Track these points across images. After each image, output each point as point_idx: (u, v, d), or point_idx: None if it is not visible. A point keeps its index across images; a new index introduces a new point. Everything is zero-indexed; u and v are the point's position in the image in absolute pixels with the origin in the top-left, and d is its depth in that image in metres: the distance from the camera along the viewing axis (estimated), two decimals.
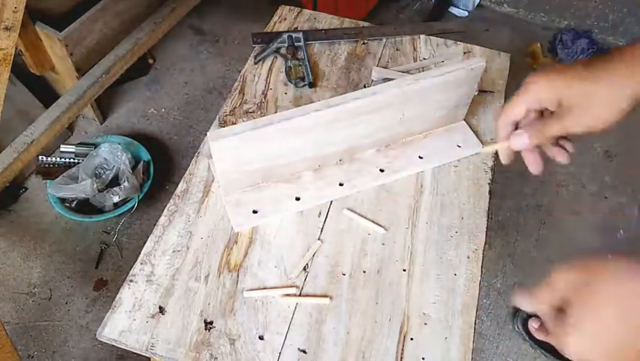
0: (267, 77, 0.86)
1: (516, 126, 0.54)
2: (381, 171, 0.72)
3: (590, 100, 0.48)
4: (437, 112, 0.73)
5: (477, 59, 0.69)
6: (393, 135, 0.74)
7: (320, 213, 0.69)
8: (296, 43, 0.89)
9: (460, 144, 0.75)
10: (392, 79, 0.84)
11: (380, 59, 0.89)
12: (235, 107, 0.81)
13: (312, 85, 0.84)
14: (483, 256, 0.66)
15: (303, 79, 0.84)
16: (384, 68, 0.87)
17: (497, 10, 1.98)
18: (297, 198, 0.69)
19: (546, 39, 1.86)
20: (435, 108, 0.72)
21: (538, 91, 0.50)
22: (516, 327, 1.20)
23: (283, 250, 0.65)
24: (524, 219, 1.40)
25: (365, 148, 0.74)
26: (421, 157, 0.74)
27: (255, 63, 0.87)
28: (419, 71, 0.86)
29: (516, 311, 1.22)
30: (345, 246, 0.66)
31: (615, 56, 0.49)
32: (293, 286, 0.62)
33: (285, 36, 0.89)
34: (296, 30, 0.92)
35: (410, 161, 0.73)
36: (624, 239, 1.36)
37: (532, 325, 1.40)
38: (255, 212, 0.68)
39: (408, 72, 0.86)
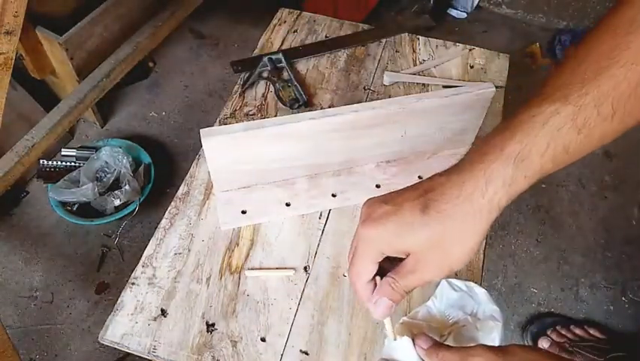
0: (268, 80, 0.86)
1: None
2: (377, 187, 0.72)
3: (443, 246, 0.40)
4: (442, 134, 0.72)
5: (486, 84, 0.67)
6: (394, 152, 0.73)
7: (321, 215, 0.69)
8: (278, 65, 0.86)
9: None
10: (405, 82, 0.85)
11: (379, 60, 0.89)
12: (235, 110, 0.81)
13: (307, 104, 0.81)
14: (484, 256, 0.66)
15: (297, 100, 0.81)
16: (396, 72, 0.87)
17: (496, 11, 1.98)
18: (288, 204, 0.69)
19: (545, 40, 1.87)
20: (439, 130, 0.71)
21: (377, 246, 0.42)
22: (526, 342, 1.20)
23: (284, 251, 0.66)
24: (524, 219, 1.40)
25: (364, 162, 0.73)
26: (420, 177, 0.72)
27: (243, 92, 0.83)
28: (425, 73, 0.87)
29: (526, 325, 1.22)
30: (346, 247, 0.66)
31: (465, 169, 0.40)
32: (292, 269, 0.63)
33: (265, 59, 0.86)
34: (275, 52, 0.88)
35: (409, 180, 0.71)
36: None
37: (542, 344, 1.38)
38: (243, 212, 0.68)
39: (421, 73, 0.86)
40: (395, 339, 0.46)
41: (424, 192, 0.41)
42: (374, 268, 0.44)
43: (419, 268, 0.41)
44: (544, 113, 0.38)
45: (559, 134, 0.38)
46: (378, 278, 0.45)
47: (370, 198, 0.44)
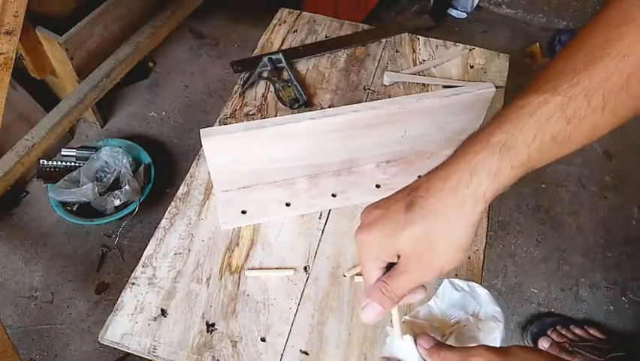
0: (268, 80, 0.86)
1: None
2: (377, 187, 0.71)
3: (429, 243, 0.39)
4: (442, 134, 0.72)
5: (486, 84, 0.67)
6: (395, 152, 0.73)
7: (321, 215, 0.69)
8: (278, 65, 0.86)
9: None
10: (405, 82, 0.85)
11: (379, 60, 0.89)
12: (235, 110, 0.81)
13: (307, 104, 0.81)
14: (484, 256, 0.66)
15: (297, 100, 0.81)
16: (396, 72, 0.86)
17: (496, 11, 1.98)
18: (288, 204, 0.69)
19: (545, 40, 1.87)
20: (439, 130, 0.71)
21: (372, 252, 0.42)
22: (526, 342, 1.20)
23: (284, 251, 0.66)
24: (524, 219, 1.40)
25: (364, 162, 0.73)
26: (420, 177, 0.72)
27: (243, 92, 0.83)
28: (425, 73, 0.87)
29: (526, 325, 1.22)
30: (346, 247, 0.66)
31: (451, 162, 0.39)
32: (292, 269, 0.63)
33: (265, 59, 0.85)
34: (275, 52, 0.88)
35: (409, 180, 0.71)
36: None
37: (543, 344, 1.38)
38: (243, 212, 0.68)
39: (421, 73, 0.86)
40: (402, 336, 0.46)
41: (410, 191, 0.41)
42: (378, 274, 0.43)
43: (409, 268, 0.41)
44: (532, 104, 0.38)
45: (547, 124, 0.37)
46: None
47: (368, 206, 0.44)
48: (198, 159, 0.75)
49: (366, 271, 0.43)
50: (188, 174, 0.73)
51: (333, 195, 0.70)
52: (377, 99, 0.71)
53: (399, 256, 0.41)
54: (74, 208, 1.30)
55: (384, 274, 0.43)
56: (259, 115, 0.81)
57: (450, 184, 0.39)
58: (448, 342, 0.49)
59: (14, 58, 0.82)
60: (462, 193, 0.38)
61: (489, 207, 0.71)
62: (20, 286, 1.25)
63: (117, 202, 1.27)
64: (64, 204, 1.29)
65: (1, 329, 0.84)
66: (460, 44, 0.92)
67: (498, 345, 0.48)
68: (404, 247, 0.40)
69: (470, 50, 0.91)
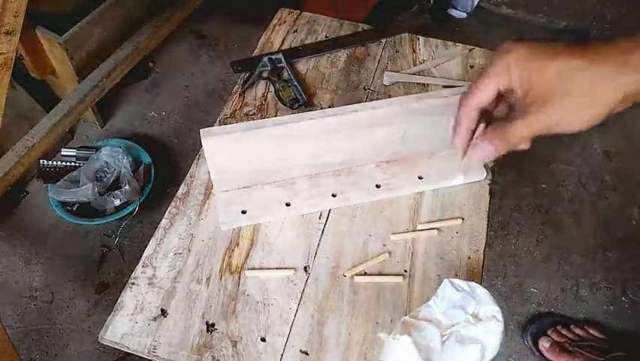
0: (268, 80, 0.86)
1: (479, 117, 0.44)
2: (378, 187, 0.71)
3: (570, 82, 0.38)
4: (442, 133, 0.71)
5: None
6: (395, 152, 0.73)
7: (321, 215, 0.69)
8: (278, 65, 0.86)
9: None
10: (405, 82, 0.85)
11: (380, 60, 0.89)
12: (235, 110, 0.81)
13: (307, 104, 0.81)
14: (484, 257, 0.66)
15: (296, 100, 0.81)
16: (396, 72, 0.86)
17: (496, 11, 1.98)
18: (288, 204, 0.69)
19: (545, 40, 1.87)
20: (440, 129, 0.70)
21: (513, 60, 0.41)
22: (526, 342, 1.20)
23: (284, 251, 0.66)
24: (524, 220, 1.40)
25: (364, 162, 0.73)
26: (420, 177, 0.72)
27: (243, 92, 0.83)
28: (425, 73, 0.87)
29: (526, 325, 1.22)
30: (346, 247, 0.66)
31: (602, 45, 0.39)
32: (292, 269, 0.63)
33: (265, 59, 0.86)
34: (275, 52, 0.88)
35: (409, 180, 0.72)
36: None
37: (543, 344, 1.38)
38: (243, 212, 0.68)
39: (421, 73, 0.86)
40: (399, 337, 0.46)
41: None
42: (492, 93, 0.42)
43: (532, 107, 0.39)
44: None
45: None
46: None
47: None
48: (198, 159, 0.75)
49: (487, 79, 0.42)
50: (188, 174, 0.73)
51: (333, 195, 0.70)
52: (377, 99, 0.71)
53: (532, 93, 0.39)
54: (74, 208, 1.30)
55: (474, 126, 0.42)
56: (259, 115, 0.81)
57: (608, 57, 0.38)
58: (447, 342, 0.49)
59: (14, 58, 0.82)
60: (617, 66, 0.37)
61: (489, 207, 0.71)
62: (20, 286, 1.25)
63: (117, 202, 1.27)
64: (64, 204, 1.29)
65: (1, 329, 0.84)
66: (460, 44, 0.92)
67: (498, 345, 0.48)
68: (546, 74, 0.39)
69: (470, 50, 0.91)
